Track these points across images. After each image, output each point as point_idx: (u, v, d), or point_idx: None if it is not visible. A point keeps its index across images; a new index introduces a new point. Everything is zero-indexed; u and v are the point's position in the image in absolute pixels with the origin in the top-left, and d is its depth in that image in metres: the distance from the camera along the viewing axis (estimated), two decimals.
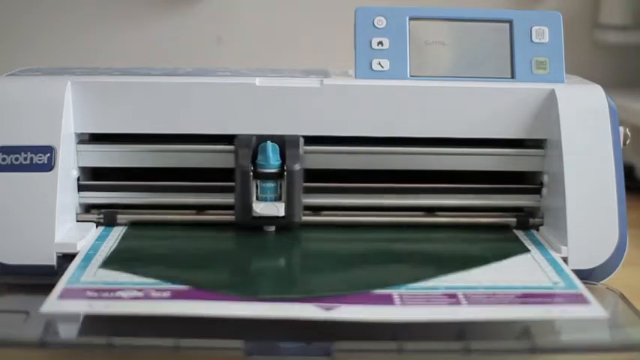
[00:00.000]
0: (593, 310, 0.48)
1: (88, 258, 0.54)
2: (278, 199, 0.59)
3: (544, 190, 0.62)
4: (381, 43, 0.62)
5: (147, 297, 0.48)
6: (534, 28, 0.62)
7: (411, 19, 0.62)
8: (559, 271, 0.54)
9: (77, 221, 0.60)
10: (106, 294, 0.49)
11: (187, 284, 0.50)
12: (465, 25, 0.62)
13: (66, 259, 0.56)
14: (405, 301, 0.49)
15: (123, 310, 0.47)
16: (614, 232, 0.58)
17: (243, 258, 0.57)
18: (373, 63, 0.61)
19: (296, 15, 0.99)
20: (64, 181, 0.58)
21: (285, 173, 0.59)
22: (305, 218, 0.62)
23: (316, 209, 0.62)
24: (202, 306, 0.47)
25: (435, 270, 0.53)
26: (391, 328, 0.48)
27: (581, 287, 0.51)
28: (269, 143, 0.59)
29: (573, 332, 0.52)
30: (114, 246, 0.57)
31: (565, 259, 0.57)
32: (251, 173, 0.59)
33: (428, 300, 0.49)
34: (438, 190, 0.62)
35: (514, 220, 0.62)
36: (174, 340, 0.47)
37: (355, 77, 0.61)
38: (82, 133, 0.61)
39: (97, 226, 0.60)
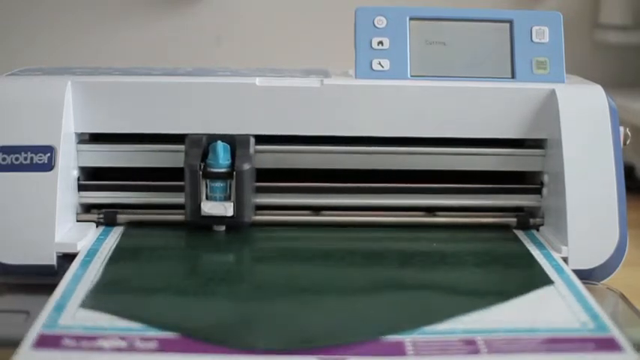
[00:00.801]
0: (628, 358, 0.43)
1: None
2: (227, 198, 0.59)
3: (544, 190, 0.62)
4: (381, 43, 0.62)
5: (131, 348, 0.43)
6: (534, 28, 0.62)
7: (411, 19, 0.62)
8: (587, 309, 0.48)
9: (77, 221, 0.60)
10: (85, 342, 0.43)
11: (176, 330, 0.45)
12: (465, 25, 0.62)
13: (66, 259, 0.56)
14: (418, 349, 0.44)
15: None
16: (614, 232, 0.58)
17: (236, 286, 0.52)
18: (373, 63, 0.61)
19: (296, 15, 0.99)
20: (64, 181, 0.58)
21: (235, 173, 0.59)
22: (304, 218, 0.62)
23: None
24: None
25: (450, 306, 0.49)
26: None
27: (612, 329, 0.46)
28: (219, 143, 0.59)
29: None
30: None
31: (565, 259, 0.57)
32: (200, 172, 0.58)
33: (444, 349, 0.44)
34: (438, 190, 0.62)
35: (514, 220, 0.62)
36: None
37: (355, 77, 0.61)
38: (82, 133, 0.61)
39: (97, 226, 0.60)
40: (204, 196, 0.59)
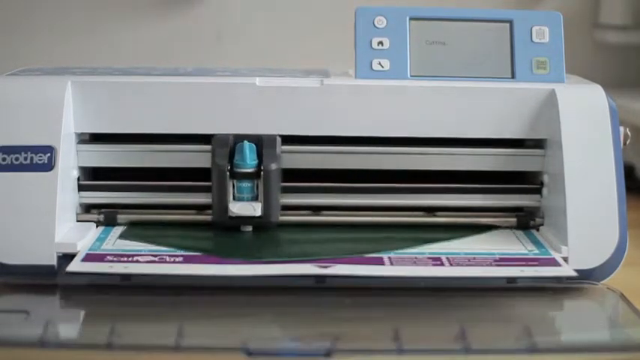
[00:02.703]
0: (564, 270, 0.54)
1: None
2: (255, 198, 0.59)
3: (544, 190, 0.62)
4: (381, 43, 0.62)
5: (161, 261, 0.54)
6: (534, 28, 0.62)
7: (411, 19, 0.62)
8: (535, 243, 0.59)
9: (77, 221, 0.60)
10: (124, 259, 0.54)
11: (198, 251, 0.55)
12: (465, 25, 0.62)
13: (66, 259, 0.55)
14: (394, 262, 0.55)
15: (139, 271, 0.53)
16: (614, 232, 0.58)
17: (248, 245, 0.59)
18: (373, 63, 0.61)
19: (296, 15, 0.99)
20: (64, 181, 0.58)
21: (262, 173, 0.59)
22: (306, 218, 0.62)
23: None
24: (210, 268, 0.53)
25: (420, 241, 0.58)
26: (392, 327, 0.48)
27: (554, 255, 0.56)
28: (246, 143, 0.59)
29: (573, 332, 0.52)
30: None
31: (565, 259, 0.57)
32: (227, 173, 0.59)
33: (414, 262, 0.55)
34: (438, 190, 0.62)
35: (514, 220, 0.62)
36: (174, 340, 0.47)
37: (355, 77, 0.61)
38: (82, 133, 0.61)
39: (97, 226, 0.60)
40: (231, 197, 0.59)
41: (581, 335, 0.51)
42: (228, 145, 0.59)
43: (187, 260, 0.54)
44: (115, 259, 0.54)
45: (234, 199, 0.59)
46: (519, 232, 0.61)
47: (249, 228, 0.60)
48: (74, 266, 0.53)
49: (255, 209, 0.59)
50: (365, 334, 0.48)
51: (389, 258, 0.55)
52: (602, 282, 0.57)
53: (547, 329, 0.51)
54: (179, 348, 0.47)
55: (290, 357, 0.48)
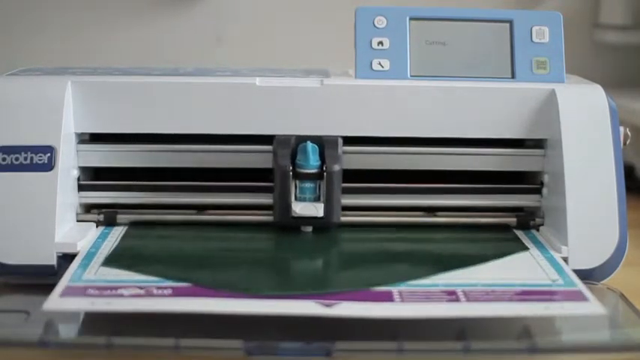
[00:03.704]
0: (592, 307, 0.48)
1: (89, 256, 0.55)
2: (317, 199, 0.59)
3: (544, 190, 0.62)
4: (381, 43, 0.62)
5: (148, 294, 0.48)
6: (534, 28, 0.62)
7: (411, 19, 0.62)
8: (558, 269, 0.54)
9: (77, 221, 0.60)
10: (107, 292, 0.49)
11: (188, 282, 0.50)
12: (465, 25, 0.62)
13: (66, 259, 0.56)
14: (404, 297, 0.49)
15: (124, 308, 0.47)
16: (614, 232, 0.58)
17: (244, 257, 0.57)
18: (373, 63, 0.61)
19: (296, 15, 0.99)
20: (64, 181, 0.58)
21: (325, 174, 0.59)
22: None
23: None
24: (203, 303, 0.47)
25: (434, 268, 0.53)
26: (391, 328, 0.48)
27: (579, 285, 0.51)
28: (309, 143, 0.59)
29: (573, 332, 0.52)
30: (115, 244, 0.57)
31: (565, 259, 0.57)
32: (290, 173, 0.59)
33: (427, 297, 0.49)
34: (438, 190, 0.62)
35: (514, 220, 0.62)
36: (174, 340, 0.47)
37: (355, 77, 0.61)
38: (82, 133, 0.61)
39: (97, 226, 0.60)
40: (293, 197, 0.59)
41: (581, 335, 0.51)
42: (289, 146, 0.59)
43: (176, 293, 0.49)
44: (97, 292, 0.49)
45: (295, 199, 0.59)
46: (522, 233, 0.61)
47: (310, 228, 0.60)
48: (52, 303, 0.47)
49: (317, 210, 0.59)
50: (365, 334, 0.48)
51: (399, 292, 0.50)
52: (602, 282, 0.57)
53: (547, 329, 0.51)
54: (179, 348, 0.47)
55: (290, 357, 0.48)
